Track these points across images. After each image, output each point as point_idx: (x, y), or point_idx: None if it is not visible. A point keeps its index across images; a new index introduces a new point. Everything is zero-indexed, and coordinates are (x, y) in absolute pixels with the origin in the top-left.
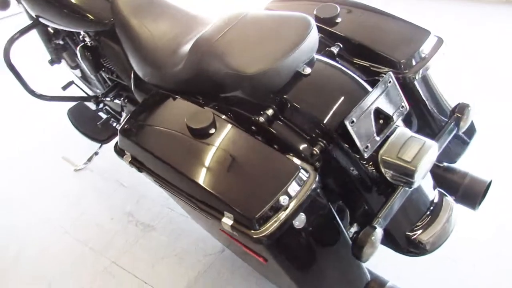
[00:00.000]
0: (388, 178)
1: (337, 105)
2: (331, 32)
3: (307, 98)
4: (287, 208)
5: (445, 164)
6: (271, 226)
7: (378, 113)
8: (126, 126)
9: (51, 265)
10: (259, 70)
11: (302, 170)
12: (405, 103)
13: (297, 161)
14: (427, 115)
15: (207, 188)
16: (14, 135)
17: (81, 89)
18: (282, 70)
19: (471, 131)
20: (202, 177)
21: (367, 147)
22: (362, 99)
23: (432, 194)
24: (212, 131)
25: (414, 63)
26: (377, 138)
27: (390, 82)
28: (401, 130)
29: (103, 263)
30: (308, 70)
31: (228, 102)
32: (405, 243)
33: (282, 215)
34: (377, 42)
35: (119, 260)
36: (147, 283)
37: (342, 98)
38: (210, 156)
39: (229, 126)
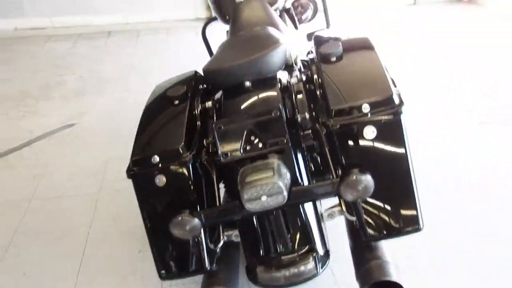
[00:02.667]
0: None
1: (234, 115)
2: (317, 66)
3: (227, 102)
4: (153, 165)
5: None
6: (137, 171)
7: (255, 135)
8: None
9: None
10: (208, 69)
11: (183, 148)
12: (287, 139)
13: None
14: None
15: (138, 132)
16: None
17: None
18: (223, 75)
19: (403, 224)
20: (142, 125)
21: (226, 154)
22: (237, 115)
23: (304, 245)
24: (176, 102)
25: (344, 115)
26: (240, 152)
27: (276, 114)
28: (271, 159)
29: None
30: (248, 84)
31: None
32: (249, 262)
33: (146, 169)
34: (334, 84)
35: None
36: None
37: (243, 111)
38: (157, 115)
39: (186, 103)
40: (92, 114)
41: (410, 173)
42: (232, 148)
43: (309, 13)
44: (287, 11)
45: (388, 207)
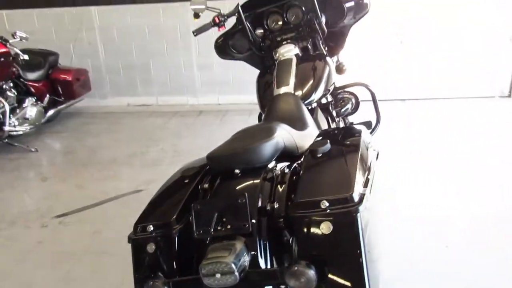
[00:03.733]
0: None
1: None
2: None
3: (218, 186)
4: (147, 233)
5: None
6: (135, 237)
7: (225, 217)
8: None
9: None
10: (208, 155)
11: (173, 222)
12: (249, 225)
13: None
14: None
15: (148, 203)
16: None
17: None
18: (219, 162)
19: None
20: (153, 198)
21: (200, 231)
22: (215, 198)
23: None
24: (186, 181)
25: (305, 208)
26: (211, 232)
27: (241, 200)
28: (237, 240)
29: None
30: (237, 171)
31: None
32: None
33: (142, 236)
34: (309, 179)
35: None
36: None
37: (222, 195)
38: (168, 191)
39: (192, 183)
40: (160, 183)
41: (363, 273)
42: (204, 226)
43: (349, 106)
44: (324, 105)
45: None
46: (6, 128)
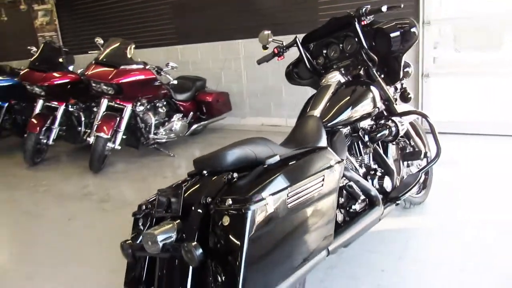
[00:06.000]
0: None
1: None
2: None
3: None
4: (141, 212)
5: None
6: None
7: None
8: None
9: None
10: (194, 159)
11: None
12: (179, 211)
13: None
14: None
15: None
16: None
17: None
18: (196, 165)
19: None
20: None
21: (157, 211)
22: (167, 187)
23: None
24: (186, 177)
25: (220, 204)
26: (163, 212)
27: (179, 192)
28: (174, 221)
29: None
30: (204, 172)
31: None
32: None
33: (138, 213)
34: (238, 181)
35: None
36: None
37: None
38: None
39: (186, 180)
40: None
41: (241, 264)
42: (160, 208)
43: (385, 132)
44: (355, 129)
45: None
46: (151, 136)
